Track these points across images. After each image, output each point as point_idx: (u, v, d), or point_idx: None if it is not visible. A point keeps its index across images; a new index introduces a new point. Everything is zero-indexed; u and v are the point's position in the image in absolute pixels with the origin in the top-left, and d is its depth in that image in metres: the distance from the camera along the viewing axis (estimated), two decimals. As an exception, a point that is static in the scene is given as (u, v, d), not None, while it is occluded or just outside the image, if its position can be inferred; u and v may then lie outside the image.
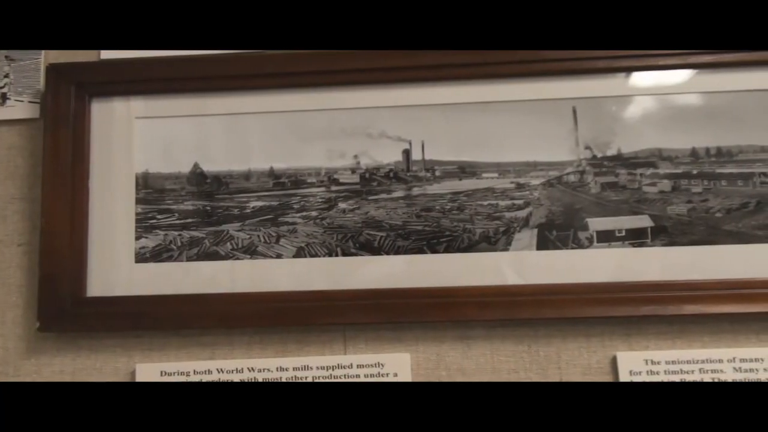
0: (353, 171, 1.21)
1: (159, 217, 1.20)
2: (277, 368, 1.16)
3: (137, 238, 1.20)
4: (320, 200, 1.21)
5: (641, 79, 1.20)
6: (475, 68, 1.20)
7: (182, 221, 1.20)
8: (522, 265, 1.16)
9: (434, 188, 1.21)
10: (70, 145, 1.20)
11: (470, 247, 1.17)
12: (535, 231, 1.17)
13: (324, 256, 1.18)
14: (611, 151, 1.19)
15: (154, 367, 1.16)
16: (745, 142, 1.17)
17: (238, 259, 1.18)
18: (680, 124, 1.18)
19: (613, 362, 1.13)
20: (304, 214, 1.20)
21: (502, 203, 1.19)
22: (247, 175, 1.22)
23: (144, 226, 1.20)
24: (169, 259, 1.19)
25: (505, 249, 1.16)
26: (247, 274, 1.18)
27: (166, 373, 1.15)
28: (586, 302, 1.13)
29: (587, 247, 1.15)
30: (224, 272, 1.18)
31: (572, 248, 1.16)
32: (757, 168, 1.16)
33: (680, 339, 1.13)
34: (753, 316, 1.12)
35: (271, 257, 1.18)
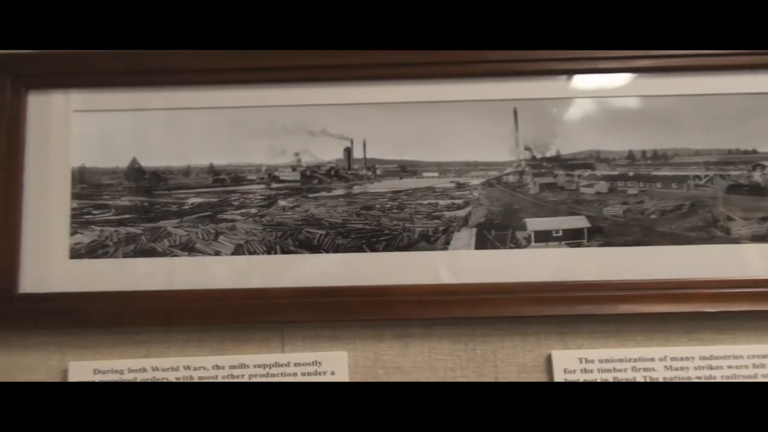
0: (294, 168, 1.21)
1: (95, 212, 1.19)
2: (213, 366, 1.15)
3: (72, 234, 1.18)
4: (260, 197, 1.20)
5: (582, 81, 1.21)
6: (418, 68, 1.20)
7: (119, 217, 1.19)
8: (460, 265, 1.16)
9: (375, 187, 1.21)
10: (5, 137, 1.18)
11: (409, 246, 1.17)
12: (474, 230, 1.17)
13: (263, 253, 1.17)
14: (550, 153, 1.20)
15: (88, 365, 1.14)
16: (680, 146, 1.19)
17: (175, 256, 1.17)
18: (618, 126, 1.20)
19: (548, 361, 1.14)
20: (244, 211, 1.19)
21: (442, 202, 1.19)
22: (186, 171, 1.20)
23: (79, 221, 1.18)
24: (105, 255, 1.17)
25: (444, 248, 1.17)
26: (184, 271, 1.17)
27: (99, 371, 1.14)
28: (523, 301, 1.14)
29: (525, 246, 1.16)
30: (161, 269, 1.17)
31: (510, 248, 1.16)
32: (691, 171, 1.18)
33: (614, 338, 1.15)
34: (684, 316, 1.14)
35: (210, 254, 1.17)
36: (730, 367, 1.12)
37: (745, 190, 1.17)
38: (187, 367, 1.14)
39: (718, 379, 1.12)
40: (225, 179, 1.20)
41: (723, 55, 1.17)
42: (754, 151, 1.18)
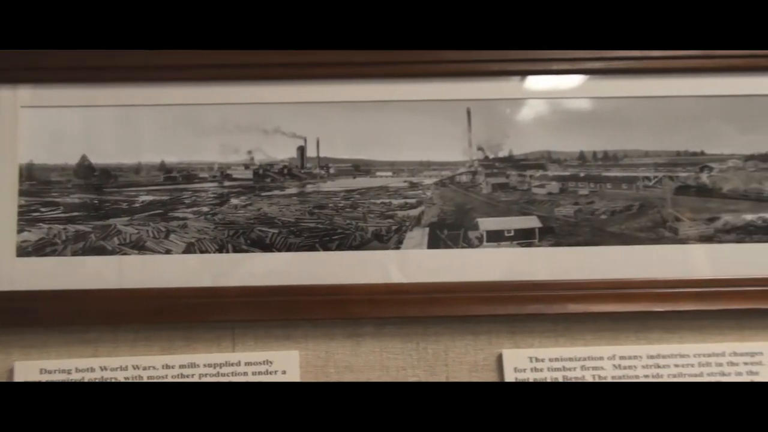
0: (247, 167, 1.20)
1: (43, 209, 1.17)
2: (162, 366, 1.14)
3: (19, 231, 1.16)
4: (212, 195, 1.19)
5: (535, 82, 1.22)
6: (373, 67, 1.20)
7: (68, 215, 1.17)
8: (413, 264, 1.16)
9: (328, 186, 1.20)
10: (-50, 133, 1.15)
11: (362, 245, 1.17)
12: (427, 230, 1.18)
13: (214, 252, 1.16)
14: (503, 153, 1.21)
15: (34, 364, 1.12)
16: (630, 147, 1.20)
17: (125, 254, 1.16)
18: (570, 127, 1.21)
19: (499, 360, 1.15)
20: (195, 209, 1.18)
21: (395, 202, 1.19)
22: (137, 169, 1.19)
23: (27, 219, 1.16)
24: (53, 253, 1.15)
25: (397, 247, 1.17)
26: (134, 269, 1.15)
27: (46, 371, 1.12)
28: (475, 301, 1.14)
29: (477, 246, 1.17)
30: (111, 267, 1.15)
31: (462, 247, 1.17)
32: (641, 172, 1.20)
33: (564, 337, 1.16)
34: (633, 315, 1.15)
35: (160, 253, 1.16)
36: (676, 365, 1.14)
37: (693, 192, 1.19)
38: (136, 367, 1.13)
39: (665, 378, 1.13)
40: (177, 177, 1.19)
41: (673, 58, 1.19)
42: (702, 153, 1.20)
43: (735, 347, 1.15)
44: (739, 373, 1.14)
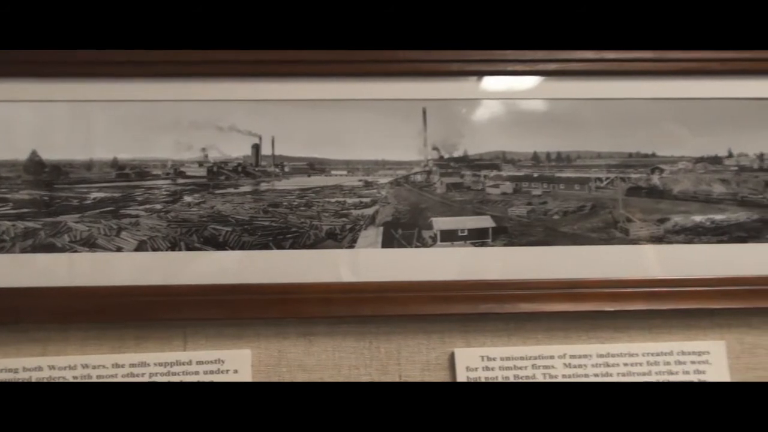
0: (201, 164, 1.19)
1: (-9, 206, 1.15)
2: (112, 365, 1.12)
3: (-34, 228, 1.14)
4: (165, 193, 1.18)
5: (490, 83, 1.22)
6: (329, 65, 1.20)
7: (17, 211, 1.15)
8: (366, 263, 1.16)
9: (283, 184, 1.20)
10: None
11: (316, 244, 1.17)
12: (381, 229, 1.18)
13: (167, 249, 1.15)
14: (458, 153, 1.21)
15: (-20, 363, 1.10)
16: (583, 148, 1.21)
17: (75, 251, 1.14)
18: (524, 128, 1.22)
19: (451, 358, 1.15)
20: (148, 206, 1.17)
21: (350, 201, 1.19)
22: (88, 165, 1.17)
23: (-26, 215, 1.14)
24: (1, 250, 1.13)
25: (351, 246, 1.17)
26: (85, 267, 1.14)
27: (-8, 369, 1.10)
28: (428, 300, 1.15)
29: (431, 245, 1.17)
30: (61, 265, 1.14)
31: (416, 247, 1.17)
32: (593, 173, 1.21)
33: (516, 336, 1.17)
34: (584, 315, 1.16)
35: (111, 250, 1.15)
36: (626, 364, 1.15)
37: (644, 193, 1.20)
38: (85, 366, 1.12)
39: (614, 376, 1.15)
40: (129, 174, 1.18)
41: (626, 61, 1.20)
42: (654, 155, 1.22)
43: (683, 346, 1.16)
44: (687, 372, 1.15)
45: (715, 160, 1.22)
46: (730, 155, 1.22)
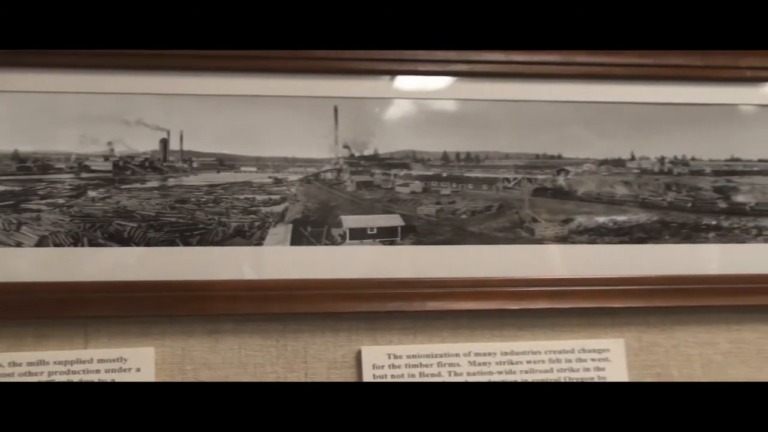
0: (106, 158, 1.17)
1: None
2: (9, 363, 1.10)
3: None
4: (69, 187, 1.15)
5: (402, 83, 1.23)
6: (240, 61, 1.19)
7: None
8: (275, 260, 1.16)
9: (191, 180, 1.19)
10: None
11: (224, 241, 1.16)
12: (290, 226, 1.17)
13: (69, 245, 1.13)
14: (368, 151, 1.22)
15: None
16: (491, 149, 1.23)
17: (-29, 246, 1.11)
18: (435, 128, 1.23)
19: (358, 356, 1.16)
20: (50, 201, 1.14)
21: (259, 198, 1.19)
22: (-13, 158, 1.14)
23: None
24: None
25: (260, 244, 1.16)
26: (-19, 263, 1.11)
27: None
28: (336, 298, 1.15)
29: (340, 243, 1.18)
30: (-45, 261, 1.10)
31: (325, 244, 1.17)
32: (501, 173, 1.23)
33: (422, 334, 1.18)
34: (489, 313, 1.18)
35: (11, 245, 1.12)
36: (529, 362, 1.18)
37: (550, 194, 1.23)
38: (-21, 365, 1.08)
39: (518, 374, 1.17)
40: (31, 167, 1.15)
41: (534, 64, 1.22)
42: (560, 157, 1.24)
43: (584, 344, 1.19)
44: (587, 369, 1.18)
45: (619, 162, 1.25)
46: (633, 158, 1.26)
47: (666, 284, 1.20)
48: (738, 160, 1.28)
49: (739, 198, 1.27)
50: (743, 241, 1.25)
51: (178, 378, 1.13)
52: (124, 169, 1.18)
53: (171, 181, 1.18)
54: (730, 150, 1.28)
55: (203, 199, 1.18)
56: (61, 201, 1.15)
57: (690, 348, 1.23)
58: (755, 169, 1.28)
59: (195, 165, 1.19)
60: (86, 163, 1.17)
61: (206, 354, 1.14)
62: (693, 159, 1.28)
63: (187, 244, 1.15)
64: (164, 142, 1.18)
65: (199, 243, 1.15)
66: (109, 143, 1.17)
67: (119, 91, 1.18)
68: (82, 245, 1.13)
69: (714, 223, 1.25)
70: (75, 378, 1.11)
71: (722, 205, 1.26)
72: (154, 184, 1.18)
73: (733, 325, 1.24)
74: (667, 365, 1.21)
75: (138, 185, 1.17)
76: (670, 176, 1.26)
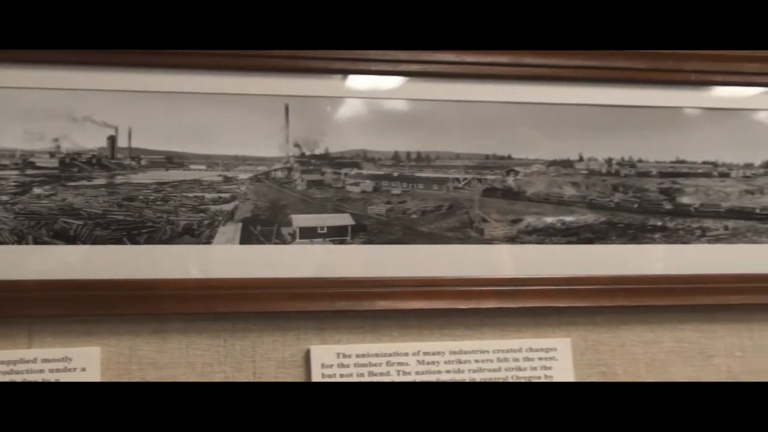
0: (52, 155, 1.15)
1: None
2: (-50, 363, 1.07)
3: None
4: (13, 184, 1.13)
5: (354, 82, 1.23)
6: (190, 58, 1.18)
7: None
8: (224, 259, 1.16)
9: (139, 177, 1.17)
10: None
11: (172, 239, 1.15)
12: (240, 225, 1.17)
13: (13, 243, 1.11)
14: (319, 150, 1.22)
15: None
16: (442, 149, 1.24)
17: None
18: (386, 127, 1.23)
19: (307, 356, 1.16)
20: (-7, 198, 1.12)
21: (209, 196, 1.18)
22: (-73, 154, 1.12)
23: None
24: None
25: (209, 242, 1.16)
26: None
27: None
28: (285, 297, 1.15)
29: (290, 242, 1.17)
30: None
31: (275, 243, 1.17)
32: (452, 174, 1.24)
33: (371, 333, 1.18)
34: (438, 312, 1.19)
35: (-48, 243, 1.10)
36: (477, 361, 1.19)
37: (499, 194, 1.24)
38: None
39: (466, 372, 1.18)
40: (-27, 164, 1.13)
41: (485, 65, 1.23)
42: (509, 157, 1.25)
43: (531, 343, 1.21)
44: (534, 368, 1.20)
45: (567, 163, 1.27)
46: (581, 159, 1.27)
47: (612, 284, 1.22)
48: (683, 162, 1.31)
49: (684, 199, 1.29)
50: (688, 242, 1.27)
51: (125, 378, 1.12)
52: (70, 166, 1.16)
53: (119, 179, 1.17)
54: (675, 152, 1.31)
55: (151, 197, 1.17)
56: (4, 198, 1.13)
57: (635, 347, 1.25)
58: (699, 171, 1.31)
59: (144, 162, 1.18)
60: (31, 159, 1.15)
61: (153, 354, 1.13)
62: (640, 161, 1.30)
63: (134, 242, 1.14)
64: (112, 139, 1.17)
65: (147, 241, 1.15)
66: (56, 140, 1.15)
67: (67, 87, 1.16)
68: (27, 243, 1.12)
69: (660, 224, 1.27)
70: (18, 378, 1.09)
71: (668, 206, 1.29)
72: (102, 181, 1.17)
73: (677, 324, 1.26)
74: (612, 364, 1.24)
75: (85, 182, 1.16)
76: (618, 177, 1.28)
